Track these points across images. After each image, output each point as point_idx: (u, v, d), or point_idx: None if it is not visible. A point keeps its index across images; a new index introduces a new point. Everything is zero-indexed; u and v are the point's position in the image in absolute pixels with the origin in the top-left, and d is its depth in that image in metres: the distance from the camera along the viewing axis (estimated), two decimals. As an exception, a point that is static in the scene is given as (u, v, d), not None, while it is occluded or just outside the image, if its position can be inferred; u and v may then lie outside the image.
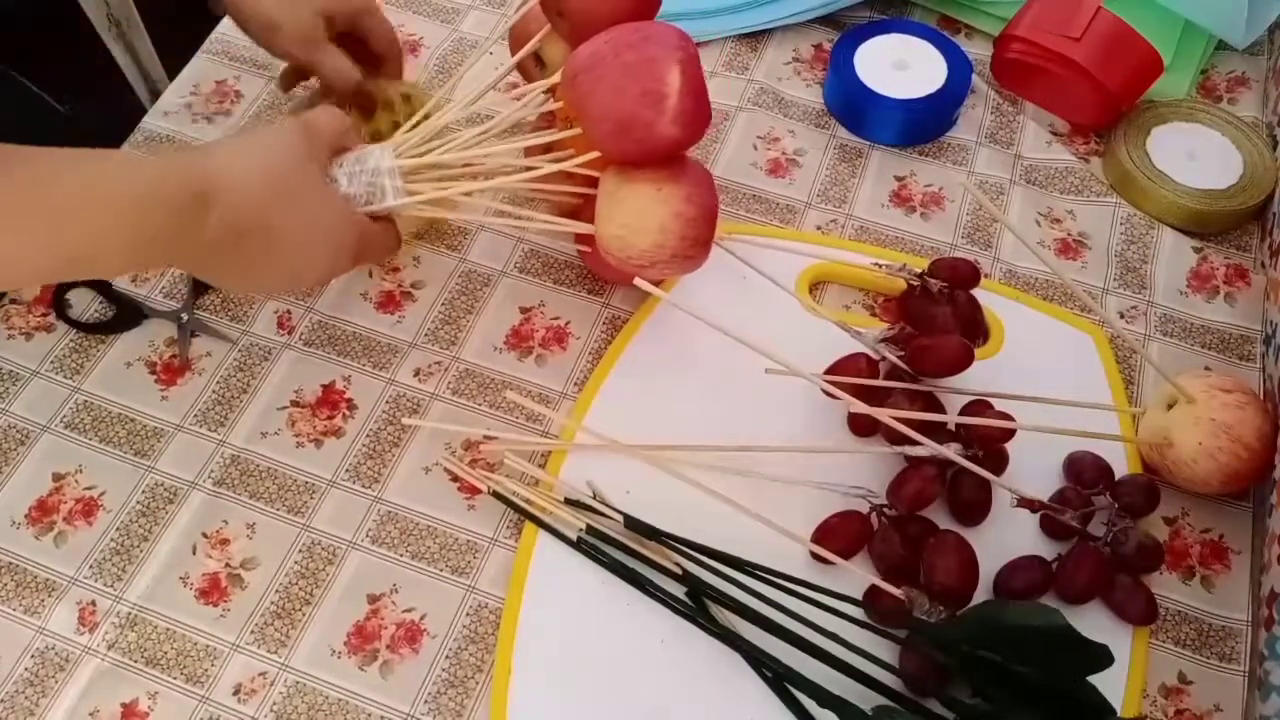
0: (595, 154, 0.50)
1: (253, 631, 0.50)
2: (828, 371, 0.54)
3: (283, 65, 0.64)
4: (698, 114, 0.48)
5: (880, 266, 0.58)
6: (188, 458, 0.55)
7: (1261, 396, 0.55)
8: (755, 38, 0.73)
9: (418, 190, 0.50)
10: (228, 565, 0.52)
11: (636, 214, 0.49)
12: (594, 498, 0.52)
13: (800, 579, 0.48)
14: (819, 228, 0.64)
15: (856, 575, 0.48)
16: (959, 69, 0.67)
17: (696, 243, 0.50)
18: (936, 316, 0.55)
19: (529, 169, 0.51)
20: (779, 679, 0.47)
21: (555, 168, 0.51)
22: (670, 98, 0.46)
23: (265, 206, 0.45)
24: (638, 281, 0.50)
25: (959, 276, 0.56)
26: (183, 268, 0.58)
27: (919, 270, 0.56)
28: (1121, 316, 0.61)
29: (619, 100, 0.47)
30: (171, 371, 0.58)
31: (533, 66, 0.56)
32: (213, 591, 0.51)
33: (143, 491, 0.54)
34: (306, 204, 0.46)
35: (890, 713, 0.45)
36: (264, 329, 0.59)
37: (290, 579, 0.51)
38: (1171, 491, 0.53)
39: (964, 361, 0.52)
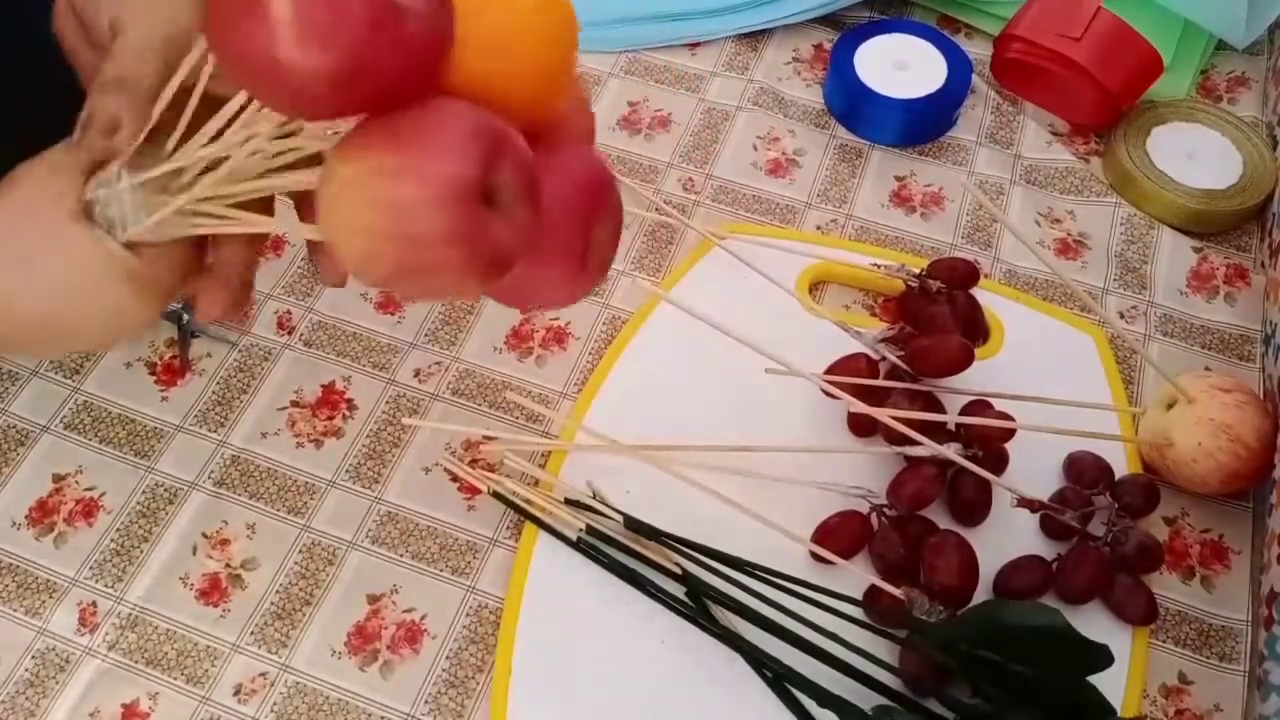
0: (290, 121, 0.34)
1: (253, 632, 0.50)
2: (828, 371, 0.54)
3: None
4: (346, 22, 0.28)
5: (879, 267, 0.58)
6: (188, 458, 0.55)
7: (1261, 396, 0.55)
8: (755, 38, 0.73)
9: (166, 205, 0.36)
10: (228, 566, 0.52)
11: (328, 207, 0.32)
12: (594, 498, 0.52)
13: (800, 579, 0.48)
14: (819, 228, 0.64)
15: (856, 575, 0.48)
16: (959, 69, 0.67)
17: (442, 243, 0.30)
18: (936, 316, 0.55)
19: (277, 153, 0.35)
20: (779, 679, 0.47)
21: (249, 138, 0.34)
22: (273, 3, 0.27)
23: None
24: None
25: (958, 276, 0.56)
26: None
27: (917, 270, 0.56)
28: (1121, 316, 0.61)
29: (224, 28, 0.29)
30: (172, 372, 0.58)
31: None
32: (213, 592, 0.51)
33: (143, 492, 0.54)
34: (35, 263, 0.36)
35: (890, 713, 0.45)
36: (264, 329, 0.59)
37: (290, 579, 0.51)
38: (1171, 491, 0.53)
39: (964, 361, 0.52)
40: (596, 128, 0.41)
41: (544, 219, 0.33)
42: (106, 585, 0.51)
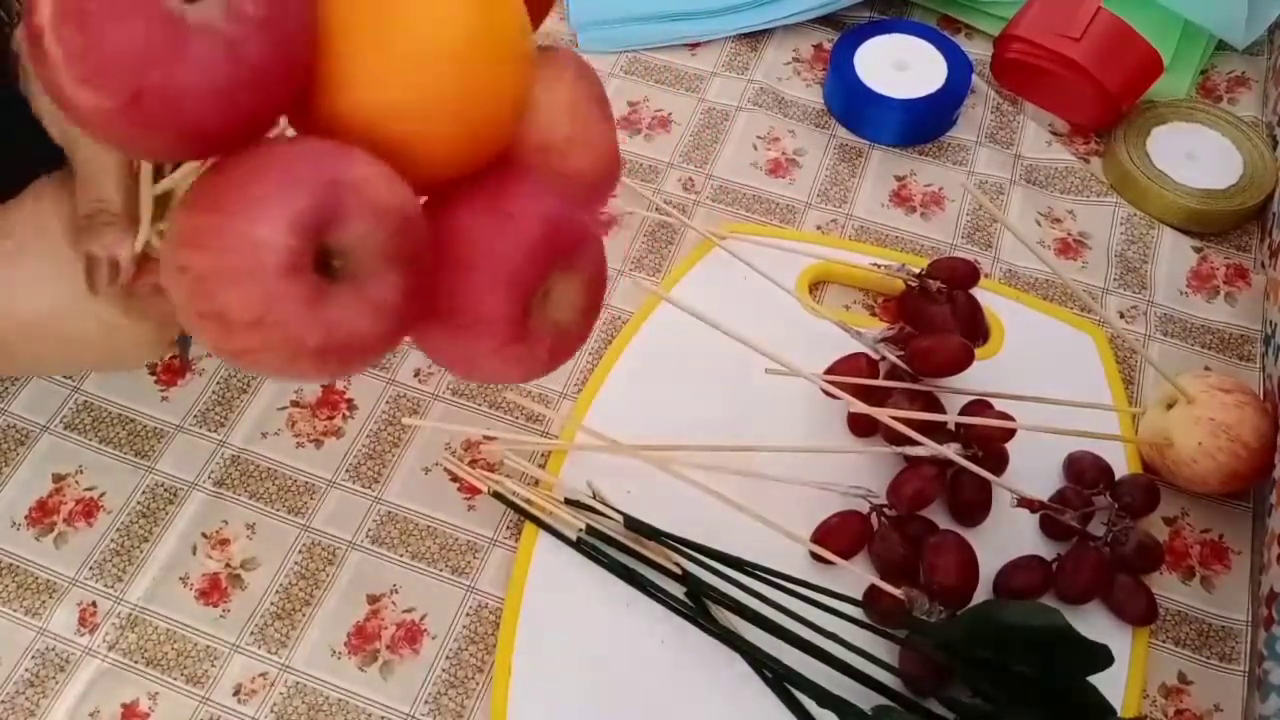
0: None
1: (253, 632, 0.50)
2: (828, 371, 0.54)
3: None
4: (108, 56, 0.24)
5: (879, 267, 0.58)
6: (188, 458, 0.55)
7: (1261, 396, 0.55)
8: (755, 38, 0.73)
9: None
10: (228, 566, 0.52)
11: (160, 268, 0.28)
12: (594, 498, 0.52)
13: (800, 579, 0.48)
14: (819, 228, 0.64)
15: (856, 575, 0.48)
16: (959, 69, 0.67)
17: (245, 326, 0.25)
18: (936, 316, 0.55)
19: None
20: (779, 679, 0.47)
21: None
22: (39, 30, 0.24)
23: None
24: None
25: (957, 276, 0.56)
26: None
27: (917, 270, 0.56)
28: (1121, 316, 0.61)
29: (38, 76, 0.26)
30: (171, 372, 0.58)
31: None
32: (213, 592, 0.51)
33: (143, 492, 0.54)
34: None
35: (890, 713, 0.45)
36: (264, 329, 0.59)
37: (290, 579, 0.51)
38: (1171, 491, 0.53)
39: (964, 361, 0.52)
40: (613, 163, 0.35)
41: (456, 279, 0.28)
42: (106, 585, 0.51)
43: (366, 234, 0.26)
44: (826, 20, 0.74)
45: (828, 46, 0.73)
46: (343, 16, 0.27)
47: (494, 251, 0.29)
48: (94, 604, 0.50)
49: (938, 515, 0.52)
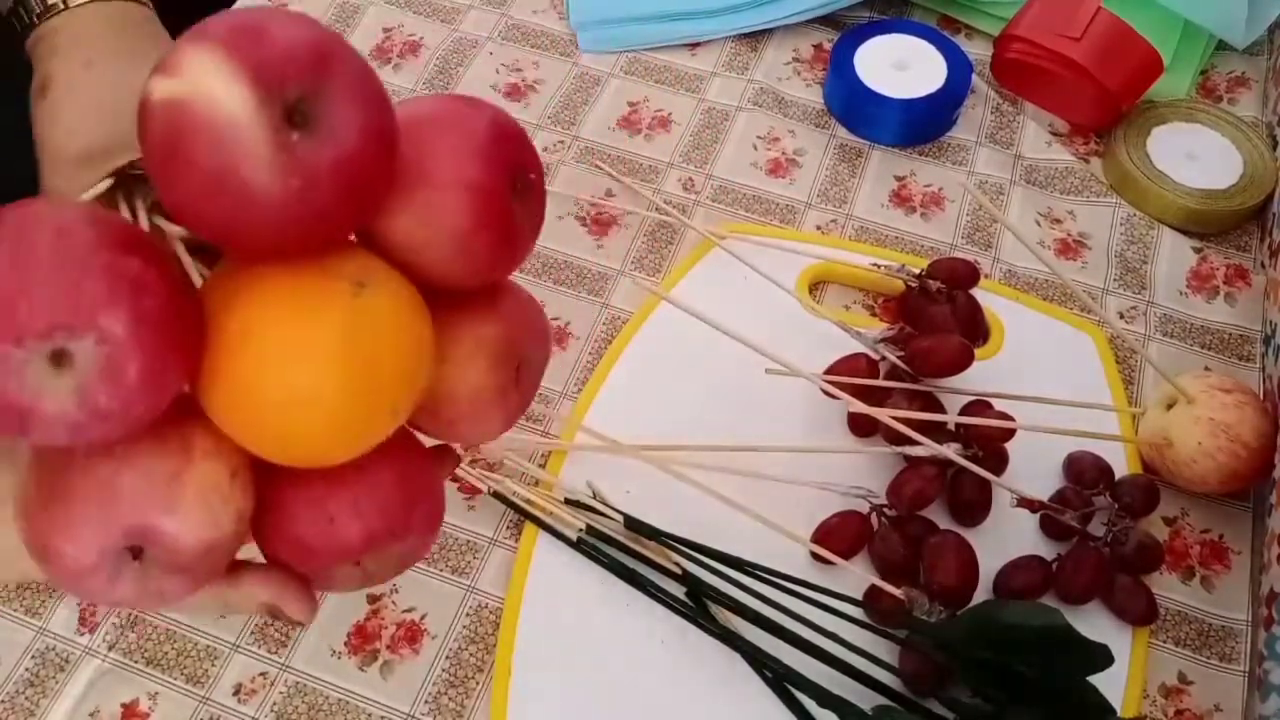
0: None
1: (253, 632, 0.50)
2: (828, 371, 0.54)
3: None
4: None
5: (879, 267, 0.58)
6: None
7: (1261, 396, 0.55)
8: (755, 38, 0.73)
9: None
10: (228, 565, 0.52)
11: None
12: (594, 498, 0.52)
13: (800, 579, 0.48)
14: (819, 228, 0.64)
15: (856, 575, 0.48)
16: (959, 69, 0.67)
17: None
18: (936, 316, 0.55)
19: None
20: (779, 679, 0.47)
21: None
22: None
23: None
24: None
25: (957, 277, 0.56)
26: None
27: (917, 270, 0.56)
28: (1121, 316, 0.61)
29: None
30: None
31: None
32: (213, 592, 0.51)
33: (143, 492, 0.54)
34: None
35: (890, 713, 0.45)
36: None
37: (290, 579, 0.51)
38: (1171, 491, 0.53)
39: (964, 361, 0.52)
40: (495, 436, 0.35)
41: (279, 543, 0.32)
42: (106, 585, 0.51)
43: (166, 560, 0.29)
44: (826, 20, 0.74)
45: (828, 46, 0.73)
46: (208, 364, 0.27)
47: (310, 556, 0.31)
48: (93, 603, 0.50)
49: (938, 515, 0.52)
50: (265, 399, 0.27)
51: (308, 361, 0.27)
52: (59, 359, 0.24)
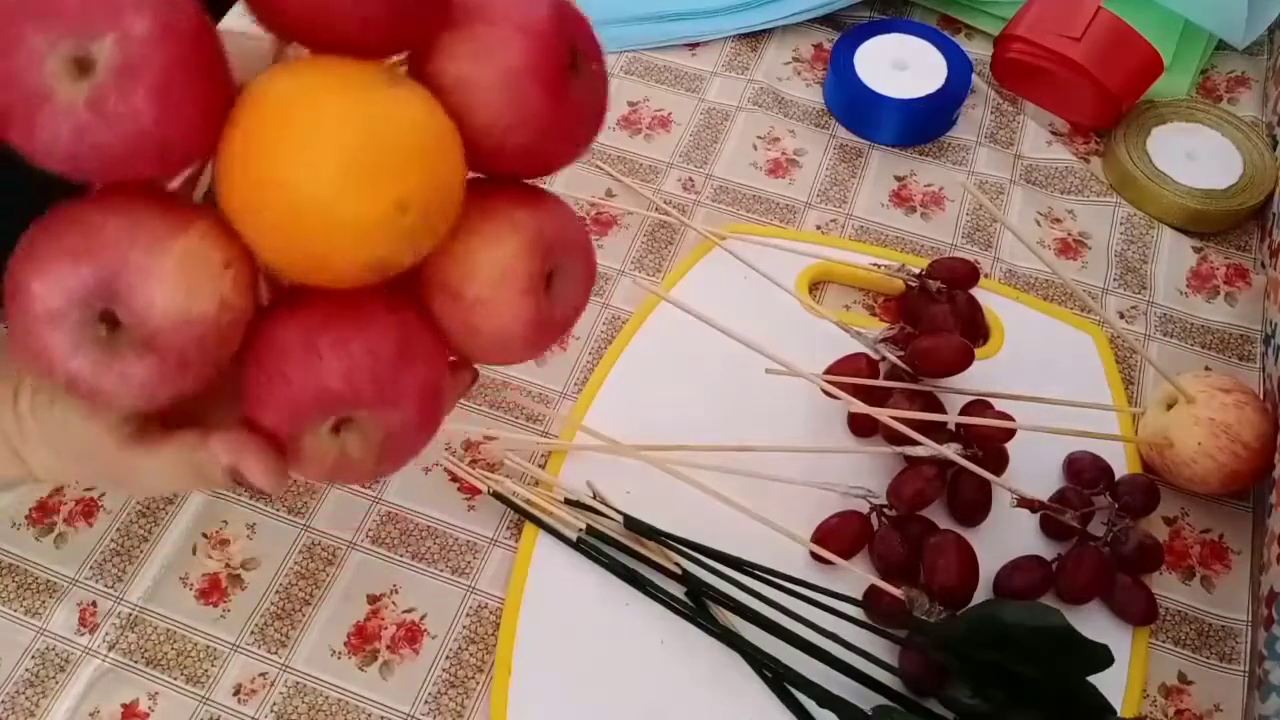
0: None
1: (253, 632, 0.50)
2: (828, 371, 0.54)
3: None
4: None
5: (879, 267, 0.58)
6: (188, 458, 0.55)
7: (1261, 396, 0.55)
8: (755, 38, 0.73)
9: None
10: (228, 566, 0.52)
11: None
12: (594, 498, 0.52)
13: (800, 579, 0.48)
14: (819, 228, 0.64)
15: (856, 575, 0.48)
16: (959, 69, 0.67)
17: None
18: (936, 316, 0.55)
19: None
20: (779, 679, 0.47)
21: None
22: None
23: None
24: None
25: (957, 277, 0.56)
26: None
27: (917, 270, 0.56)
28: (1121, 316, 0.61)
29: None
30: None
31: None
32: (213, 592, 0.51)
33: (143, 492, 0.54)
34: None
35: (890, 713, 0.45)
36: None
37: (290, 579, 0.51)
38: (1171, 491, 0.53)
39: (964, 361, 0.52)
40: (513, 347, 0.32)
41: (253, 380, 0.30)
42: (106, 585, 0.51)
43: (133, 334, 0.27)
44: (826, 20, 0.74)
45: (828, 46, 0.73)
46: (228, 145, 0.27)
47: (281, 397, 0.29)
48: (94, 604, 0.50)
49: (938, 515, 0.52)
50: (274, 163, 0.26)
51: (319, 120, 0.26)
52: (81, 66, 0.24)
